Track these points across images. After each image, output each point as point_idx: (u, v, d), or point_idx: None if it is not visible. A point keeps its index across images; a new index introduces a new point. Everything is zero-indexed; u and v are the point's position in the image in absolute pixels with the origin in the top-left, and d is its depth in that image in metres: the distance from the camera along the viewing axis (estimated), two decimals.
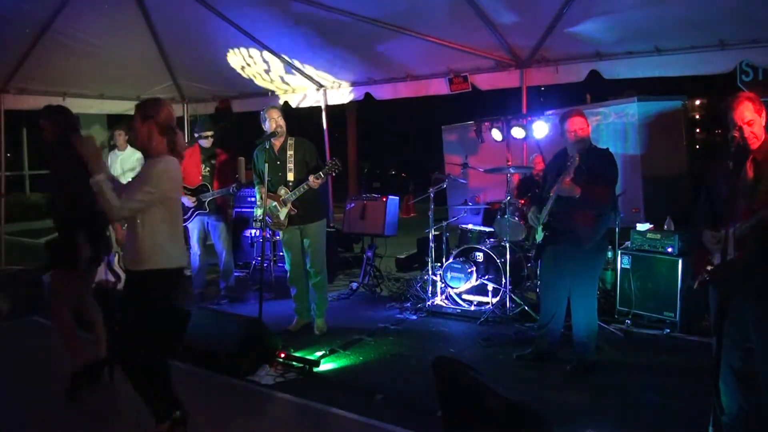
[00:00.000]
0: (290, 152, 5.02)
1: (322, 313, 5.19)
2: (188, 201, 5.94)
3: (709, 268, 2.95)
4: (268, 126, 5.00)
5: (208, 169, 6.11)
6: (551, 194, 4.08)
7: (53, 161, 3.90)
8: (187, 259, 3.18)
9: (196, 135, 6.24)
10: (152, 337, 3.05)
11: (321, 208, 5.23)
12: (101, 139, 11.44)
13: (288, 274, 5.23)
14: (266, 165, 4.84)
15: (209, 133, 6.18)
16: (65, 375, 3.82)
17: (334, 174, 5.03)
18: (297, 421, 3.60)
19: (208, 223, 6.13)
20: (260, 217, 5.03)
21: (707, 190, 3.15)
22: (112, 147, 7.61)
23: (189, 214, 5.99)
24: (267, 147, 5.04)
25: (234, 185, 5.92)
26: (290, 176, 5.00)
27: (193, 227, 6.10)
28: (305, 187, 4.88)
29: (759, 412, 3.04)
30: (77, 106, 8.28)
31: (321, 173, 4.86)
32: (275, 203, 4.99)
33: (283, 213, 4.99)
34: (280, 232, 5.20)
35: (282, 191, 4.99)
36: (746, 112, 2.89)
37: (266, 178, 4.88)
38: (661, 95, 7.82)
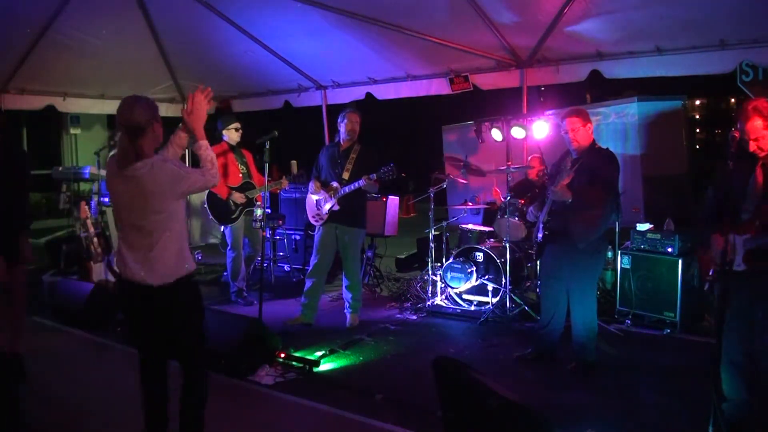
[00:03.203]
0: (353, 155, 5.21)
1: (356, 310, 5.43)
2: (240, 198, 5.91)
3: (712, 272, 2.95)
4: (344, 128, 5.21)
5: (243, 168, 6.08)
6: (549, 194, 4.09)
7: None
8: None
9: (223, 129, 6.05)
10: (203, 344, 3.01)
11: (362, 218, 5.34)
12: (102, 139, 11.44)
13: (310, 267, 5.33)
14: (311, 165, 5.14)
15: (238, 125, 6.06)
16: (66, 377, 3.82)
17: (388, 179, 5.05)
18: (297, 421, 3.60)
19: (247, 219, 6.12)
20: (260, 217, 5.04)
21: (716, 190, 3.12)
22: (113, 147, 7.59)
23: (238, 213, 5.94)
24: (334, 145, 5.31)
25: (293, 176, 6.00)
26: (345, 175, 5.17)
27: (240, 225, 5.99)
28: (357, 185, 5.02)
29: (762, 409, 3.04)
30: (77, 106, 8.28)
31: (375, 174, 4.96)
32: (323, 195, 5.16)
33: (327, 206, 5.16)
34: (317, 227, 5.33)
35: (334, 184, 5.16)
36: None
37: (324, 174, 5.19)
38: (662, 95, 7.80)
